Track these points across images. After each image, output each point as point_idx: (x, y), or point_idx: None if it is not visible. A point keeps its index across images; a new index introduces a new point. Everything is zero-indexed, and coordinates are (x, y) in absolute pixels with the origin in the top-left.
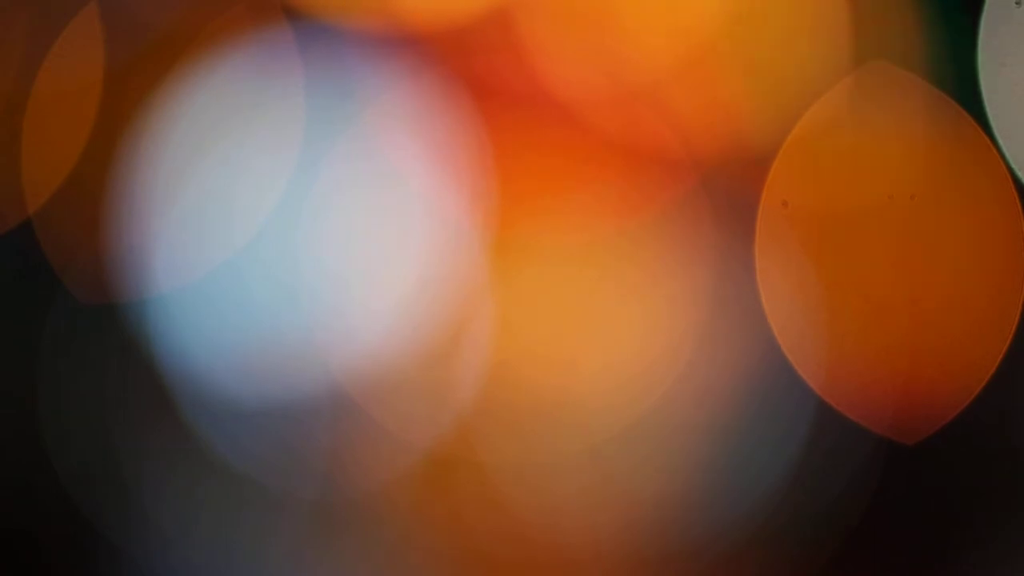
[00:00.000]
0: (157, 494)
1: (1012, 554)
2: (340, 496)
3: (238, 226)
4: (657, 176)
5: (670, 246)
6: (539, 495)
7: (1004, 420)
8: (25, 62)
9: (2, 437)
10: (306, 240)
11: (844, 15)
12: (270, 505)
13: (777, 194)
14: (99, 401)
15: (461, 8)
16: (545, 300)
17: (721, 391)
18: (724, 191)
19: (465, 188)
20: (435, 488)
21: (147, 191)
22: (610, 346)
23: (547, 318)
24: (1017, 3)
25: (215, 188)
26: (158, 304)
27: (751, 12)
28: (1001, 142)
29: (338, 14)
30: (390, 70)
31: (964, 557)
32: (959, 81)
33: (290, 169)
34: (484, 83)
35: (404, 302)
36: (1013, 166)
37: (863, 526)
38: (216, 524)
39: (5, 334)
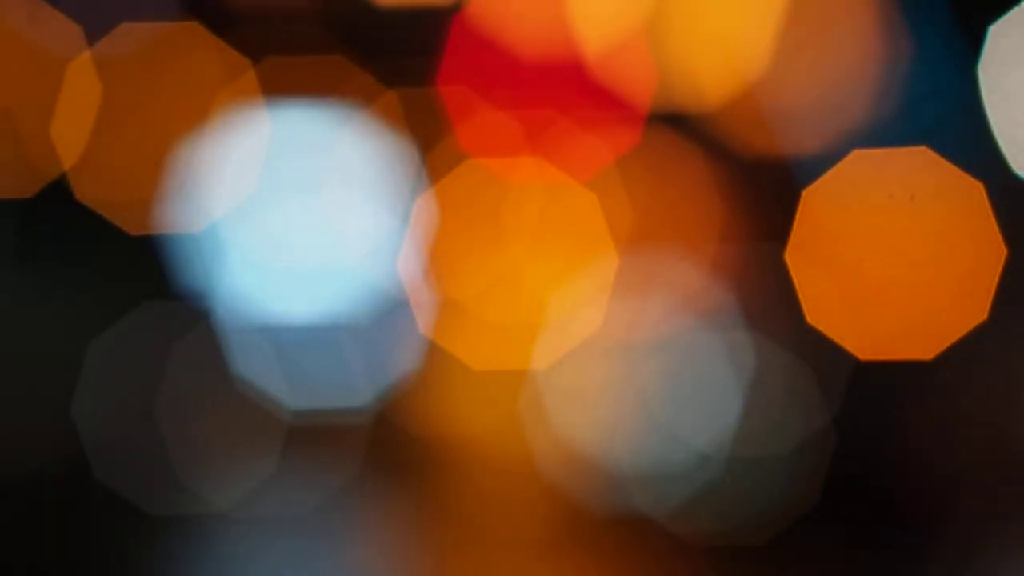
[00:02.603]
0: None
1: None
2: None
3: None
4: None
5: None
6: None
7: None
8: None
9: (44, 391)
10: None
11: (844, 13)
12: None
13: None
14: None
15: None
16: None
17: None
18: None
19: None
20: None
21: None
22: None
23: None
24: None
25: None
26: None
27: None
28: (1001, 142)
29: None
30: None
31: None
32: (959, 81)
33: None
34: (459, 45)
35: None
36: (1013, 166)
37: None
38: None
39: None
